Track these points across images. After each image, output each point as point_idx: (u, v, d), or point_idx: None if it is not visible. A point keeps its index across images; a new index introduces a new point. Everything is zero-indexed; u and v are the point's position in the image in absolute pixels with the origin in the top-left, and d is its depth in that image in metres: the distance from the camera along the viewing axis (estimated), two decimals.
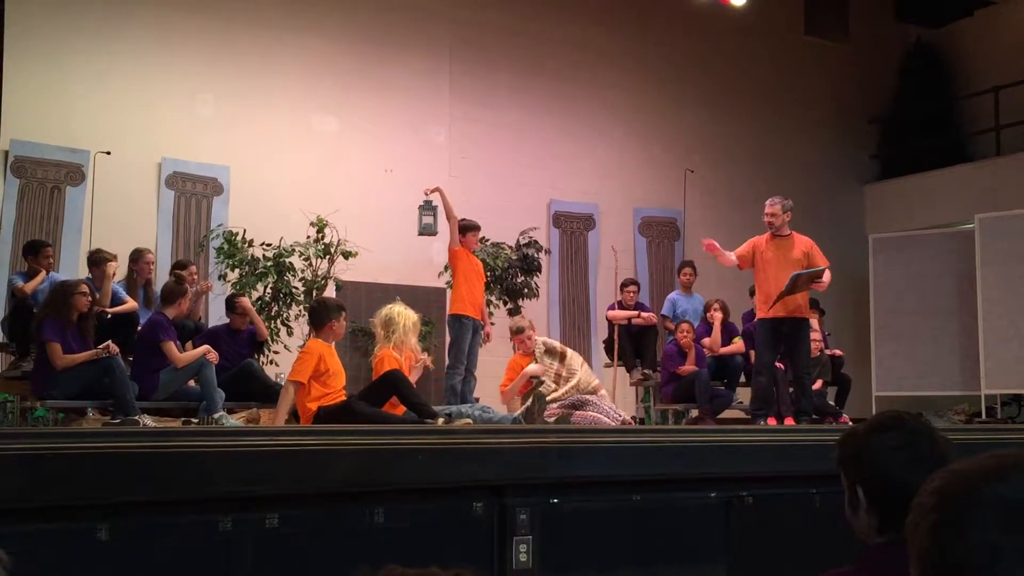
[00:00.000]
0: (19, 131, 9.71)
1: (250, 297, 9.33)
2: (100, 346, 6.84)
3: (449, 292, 10.85)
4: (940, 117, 14.56)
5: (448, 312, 8.41)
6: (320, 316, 7.16)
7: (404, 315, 7.53)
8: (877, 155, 14.98)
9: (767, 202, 8.06)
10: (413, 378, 7.26)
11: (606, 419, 7.49)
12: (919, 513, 1.28)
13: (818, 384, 9.49)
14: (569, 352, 8.31)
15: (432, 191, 8.59)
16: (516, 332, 8.46)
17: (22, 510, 3.44)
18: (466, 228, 8.41)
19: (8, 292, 8.13)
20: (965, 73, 14.65)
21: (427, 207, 8.86)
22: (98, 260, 7.85)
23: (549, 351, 8.27)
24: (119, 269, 8.20)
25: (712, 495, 5.01)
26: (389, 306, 7.66)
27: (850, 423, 8.37)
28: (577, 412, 7.58)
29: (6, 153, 9.77)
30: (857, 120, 14.78)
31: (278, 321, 9.25)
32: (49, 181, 10.10)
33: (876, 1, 15.03)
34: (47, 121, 10.06)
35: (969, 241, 12.69)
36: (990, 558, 1.19)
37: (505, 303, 10.91)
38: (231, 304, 8.23)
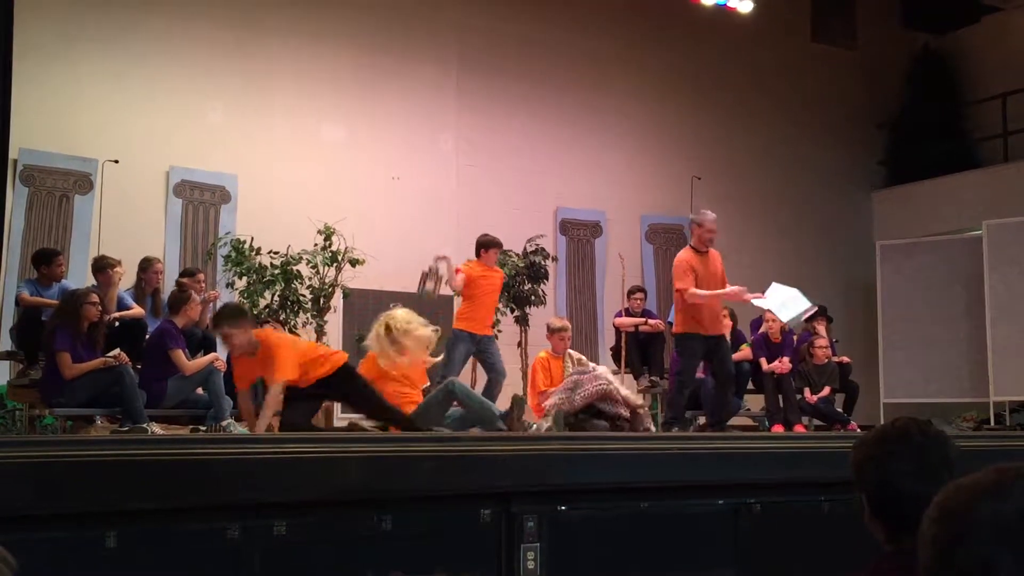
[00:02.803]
0: (28, 140, 9.74)
1: (256, 305, 9.35)
2: (109, 354, 6.86)
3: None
4: (948, 123, 14.53)
5: (454, 327, 8.34)
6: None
7: (389, 320, 7.18)
8: (884, 161, 14.96)
9: (711, 217, 7.96)
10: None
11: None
12: (925, 525, 1.30)
13: (826, 391, 9.49)
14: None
15: (441, 258, 8.41)
16: (557, 330, 8.33)
17: (31, 517, 3.44)
18: (484, 244, 8.39)
19: (16, 300, 8.16)
20: (972, 79, 14.64)
21: (431, 275, 8.73)
22: (102, 266, 7.87)
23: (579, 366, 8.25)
24: (127, 277, 8.22)
25: (720, 502, 5.00)
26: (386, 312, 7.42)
27: (858, 430, 8.35)
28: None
29: (15, 162, 9.80)
30: (864, 126, 14.76)
31: (286, 329, 9.26)
32: (58, 190, 10.14)
33: (883, 8, 15.02)
34: (56, 130, 10.09)
35: (977, 247, 12.66)
36: (987, 571, 1.20)
37: (512, 311, 10.91)
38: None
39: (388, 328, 7.09)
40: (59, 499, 3.56)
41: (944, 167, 13.87)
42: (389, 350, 7.09)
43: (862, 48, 14.85)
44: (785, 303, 8.26)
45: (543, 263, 11.12)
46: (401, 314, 7.24)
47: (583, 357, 8.58)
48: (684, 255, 7.92)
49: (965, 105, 14.65)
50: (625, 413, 7.48)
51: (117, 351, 6.96)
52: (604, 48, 13.03)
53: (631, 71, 13.20)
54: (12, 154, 9.72)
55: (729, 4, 12.72)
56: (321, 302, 9.86)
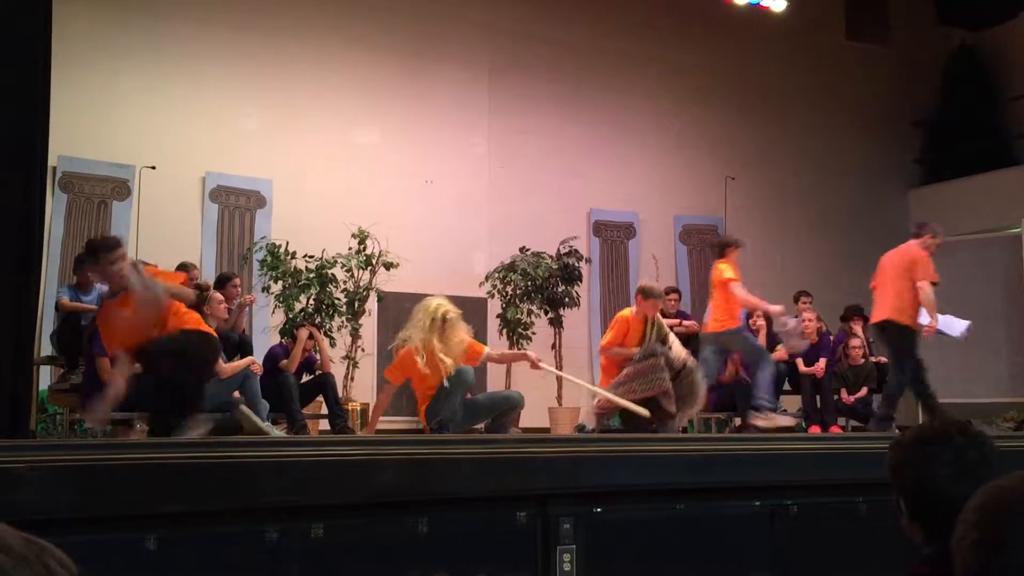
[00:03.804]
0: (66, 147, 9.87)
1: (292, 309, 9.42)
2: None
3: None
4: (984, 121, 14.38)
5: (724, 328, 8.21)
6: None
7: (428, 309, 6.75)
8: (920, 159, 14.82)
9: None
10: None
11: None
12: (963, 530, 1.29)
13: (863, 391, 9.41)
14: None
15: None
16: (653, 297, 7.93)
17: (71, 520, 3.49)
18: (731, 244, 8.48)
19: (56, 306, 8.27)
20: (1010, 76, 14.47)
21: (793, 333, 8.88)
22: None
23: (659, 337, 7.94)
24: None
25: (756, 504, 4.97)
26: (427, 299, 7.01)
27: (896, 431, 8.28)
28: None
29: (54, 169, 9.93)
30: (900, 124, 14.63)
31: (321, 332, 9.32)
32: (96, 196, 10.26)
33: (918, 3, 14.88)
34: (93, 137, 10.22)
35: (1016, 245, 12.53)
36: None
37: (546, 312, 10.92)
38: (290, 332, 8.43)
39: (444, 318, 6.76)
40: (99, 502, 3.60)
41: (981, 165, 13.73)
42: (436, 340, 6.67)
43: (897, 45, 14.72)
44: (951, 321, 8.44)
45: (576, 265, 11.12)
46: (427, 309, 6.85)
47: (668, 330, 8.15)
48: (926, 254, 8.15)
49: (1003, 102, 14.48)
50: (671, 410, 7.43)
51: None
52: (635, 48, 13.00)
53: (663, 71, 13.16)
54: (51, 161, 9.86)
55: (762, 3, 12.66)
56: (356, 305, 9.92)
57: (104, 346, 6.04)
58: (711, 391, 9.27)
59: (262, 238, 10.44)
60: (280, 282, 9.69)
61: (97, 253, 5.63)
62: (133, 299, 5.50)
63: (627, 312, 8.08)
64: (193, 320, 5.78)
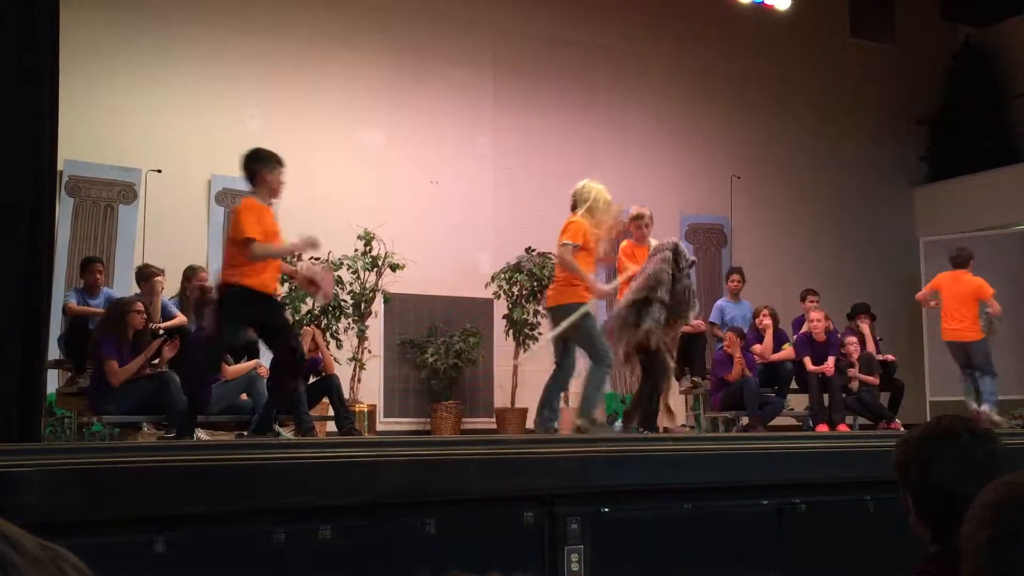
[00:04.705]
0: (72, 151, 9.87)
1: (298, 311, 9.43)
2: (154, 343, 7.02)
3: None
4: (990, 117, 14.34)
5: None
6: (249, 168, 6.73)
7: (599, 190, 7.18)
8: (926, 157, 14.79)
9: None
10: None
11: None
12: (973, 527, 1.28)
13: (874, 379, 9.39)
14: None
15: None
16: (634, 219, 7.95)
17: (80, 523, 3.50)
18: (972, 257, 8.80)
19: (63, 309, 8.28)
20: (1015, 72, 14.43)
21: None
22: (146, 275, 7.97)
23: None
24: (171, 285, 8.31)
25: (764, 503, 4.97)
26: (586, 181, 7.37)
27: (902, 429, 8.27)
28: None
29: (61, 173, 9.94)
30: (905, 122, 14.60)
31: (327, 334, 9.33)
32: (102, 200, 10.27)
33: (922, 1, 14.85)
34: (99, 141, 10.22)
35: (1022, 242, 12.49)
36: None
37: None
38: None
39: (584, 196, 7.13)
40: (107, 505, 3.61)
41: (987, 162, 13.70)
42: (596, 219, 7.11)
43: (901, 42, 14.69)
44: None
45: None
46: (599, 191, 7.24)
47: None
48: None
49: (1008, 98, 14.44)
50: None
51: (158, 359, 7.07)
52: (641, 48, 12.98)
53: (668, 70, 13.15)
54: (58, 165, 9.89)
55: (766, 1, 12.63)
56: (362, 307, 9.93)
57: (250, 235, 6.50)
58: (717, 389, 9.27)
59: None
60: (286, 284, 9.70)
61: (279, 161, 6.97)
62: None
63: (624, 243, 7.98)
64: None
